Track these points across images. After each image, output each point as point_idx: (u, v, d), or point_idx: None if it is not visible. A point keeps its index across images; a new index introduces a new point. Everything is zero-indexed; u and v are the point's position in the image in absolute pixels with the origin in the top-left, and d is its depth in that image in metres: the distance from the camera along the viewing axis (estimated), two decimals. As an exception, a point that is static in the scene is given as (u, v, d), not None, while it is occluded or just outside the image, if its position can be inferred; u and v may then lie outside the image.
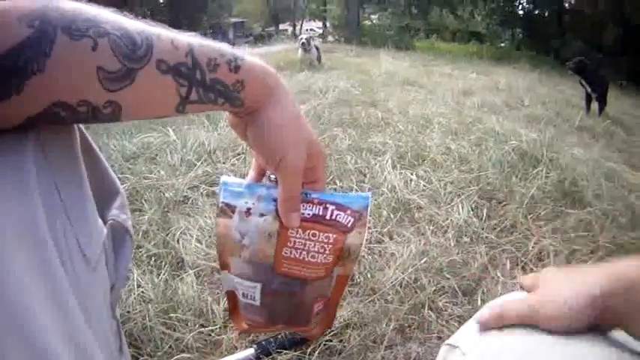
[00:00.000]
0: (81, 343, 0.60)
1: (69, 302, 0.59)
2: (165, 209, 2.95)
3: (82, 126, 0.76)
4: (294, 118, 0.82)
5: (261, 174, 0.94)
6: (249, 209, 0.86)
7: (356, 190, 3.26)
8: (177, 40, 0.68)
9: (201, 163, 3.61)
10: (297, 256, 0.87)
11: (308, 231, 0.86)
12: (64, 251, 0.61)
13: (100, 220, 0.76)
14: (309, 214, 0.87)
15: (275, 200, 0.85)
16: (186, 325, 1.98)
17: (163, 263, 2.39)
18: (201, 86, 0.70)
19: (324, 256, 0.87)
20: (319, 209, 0.87)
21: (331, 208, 0.88)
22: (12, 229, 0.54)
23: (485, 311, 0.82)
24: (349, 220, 0.88)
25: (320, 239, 0.87)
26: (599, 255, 2.71)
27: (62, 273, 0.59)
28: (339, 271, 0.93)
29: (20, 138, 0.60)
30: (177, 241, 2.58)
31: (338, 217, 0.88)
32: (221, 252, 0.90)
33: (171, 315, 2.00)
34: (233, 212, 0.86)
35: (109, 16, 0.62)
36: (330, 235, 0.87)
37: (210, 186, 3.30)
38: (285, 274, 0.88)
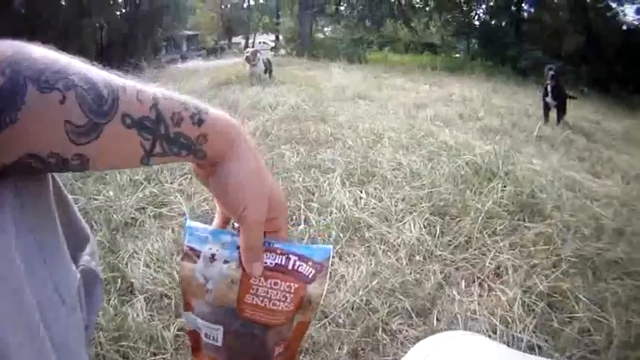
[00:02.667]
0: None
1: (44, 342, 0.62)
2: (114, 231, 2.95)
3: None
4: (255, 172, 0.85)
5: (225, 221, 0.97)
6: (213, 255, 0.89)
7: (304, 209, 3.24)
8: (142, 93, 0.70)
9: (149, 183, 3.62)
10: (260, 303, 0.90)
11: (270, 279, 0.89)
12: (42, 296, 0.64)
13: (73, 266, 0.78)
14: (271, 263, 0.90)
15: (239, 248, 0.88)
16: (138, 352, 1.99)
17: (112, 289, 2.40)
18: (165, 140, 0.73)
19: (286, 304, 0.90)
20: (282, 259, 0.91)
21: (293, 258, 0.91)
22: None
23: None
24: (310, 272, 0.91)
25: (282, 288, 0.90)
26: (563, 268, 2.71)
27: (38, 319, 0.61)
28: (300, 318, 0.95)
29: None
30: (126, 264, 2.59)
31: (300, 267, 0.91)
32: (185, 293, 0.93)
33: (123, 343, 2.01)
34: (198, 257, 0.89)
35: (77, 66, 0.64)
36: (292, 284, 0.90)
37: (158, 207, 3.30)
38: (247, 319, 0.91)
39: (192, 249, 0.89)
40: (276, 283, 0.90)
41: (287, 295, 0.90)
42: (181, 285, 0.92)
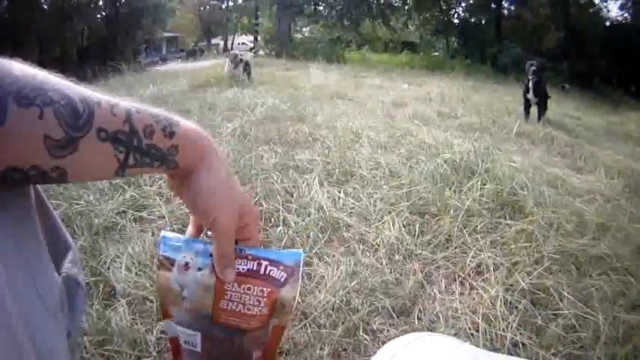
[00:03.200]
0: None
1: (25, 349, 0.62)
2: (95, 235, 2.93)
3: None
4: (225, 181, 0.89)
5: (198, 230, 1.00)
6: (187, 263, 0.92)
7: (283, 210, 3.22)
8: (116, 107, 0.72)
9: (129, 186, 3.57)
10: (234, 308, 0.93)
11: (243, 285, 0.93)
12: (24, 300, 0.65)
13: (56, 273, 0.80)
14: (243, 269, 0.93)
15: (211, 255, 0.91)
16: (122, 356, 1.99)
17: (95, 293, 2.39)
18: (138, 152, 0.76)
19: (259, 308, 0.94)
20: (253, 265, 0.94)
21: (265, 263, 0.94)
22: None
23: None
24: (282, 276, 0.95)
25: (255, 292, 0.93)
26: (545, 265, 2.70)
27: (19, 320, 0.62)
28: (275, 322, 0.99)
29: None
30: (108, 268, 2.57)
31: (271, 272, 0.94)
32: (163, 302, 0.95)
33: (107, 347, 2.01)
34: (172, 265, 0.92)
35: (54, 82, 0.66)
36: (264, 288, 0.93)
37: (138, 211, 3.28)
38: (223, 324, 0.94)
39: (166, 258, 0.92)
40: (249, 288, 0.93)
41: (260, 299, 0.93)
42: (159, 294, 0.95)
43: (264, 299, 0.94)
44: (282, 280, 0.95)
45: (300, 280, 0.98)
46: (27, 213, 0.73)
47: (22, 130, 0.61)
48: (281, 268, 0.95)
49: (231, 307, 0.93)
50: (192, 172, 0.86)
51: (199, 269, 0.91)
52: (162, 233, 0.95)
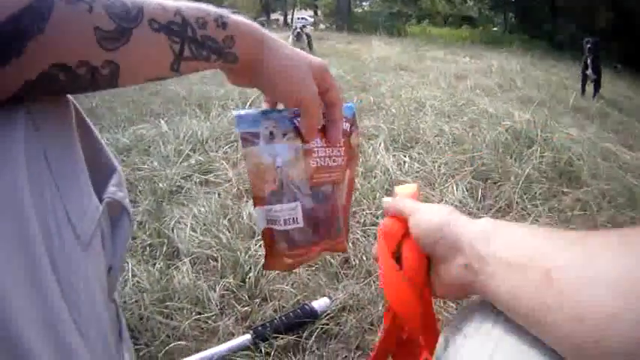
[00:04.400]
0: (61, 331, 0.57)
1: (49, 284, 0.56)
2: (160, 200, 2.92)
3: (77, 104, 0.75)
4: (294, 57, 0.87)
5: (273, 105, 0.99)
6: (271, 132, 0.92)
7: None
8: (164, 2, 0.70)
9: (194, 152, 3.60)
10: (323, 163, 0.97)
11: (323, 139, 0.97)
12: (50, 225, 0.58)
13: (95, 197, 0.72)
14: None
15: (290, 119, 0.93)
16: (183, 313, 1.95)
17: (158, 253, 2.36)
18: (194, 43, 0.73)
19: (341, 158, 1.00)
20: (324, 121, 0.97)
21: None
22: None
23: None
24: (347, 126, 1.03)
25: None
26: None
27: (43, 250, 0.56)
28: (348, 174, 1.06)
29: (10, 110, 0.59)
30: (172, 230, 2.55)
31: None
32: (255, 183, 0.93)
33: (167, 304, 1.98)
34: (257, 138, 0.91)
35: None
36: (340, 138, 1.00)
37: (204, 174, 3.28)
38: (317, 184, 0.96)
39: (248, 133, 0.91)
40: (328, 141, 0.98)
41: (339, 149, 1.00)
42: (251, 175, 0.93)
43: (342, 148, 1.00)
44: (348, 130, 1.03)
45: (358, 128, 1.08)
46: (65, 130, 0.68)
47: (69, 23, 0.58)
48: (344, 120, 1.01)
49: (320, 164, 0.96)
50: (257, 60, 0.83)
51: (284, 134, 0.92)
52: (235, 112, 0.93)
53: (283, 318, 1.89)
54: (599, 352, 0.50)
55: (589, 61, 7.78)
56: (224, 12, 0.78)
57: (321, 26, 25.50)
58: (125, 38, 0.63)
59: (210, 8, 0.76)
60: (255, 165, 0.92)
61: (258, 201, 0.94)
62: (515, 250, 0.66)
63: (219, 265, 2.27)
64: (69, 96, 0.71)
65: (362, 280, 2.21)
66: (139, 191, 3.01)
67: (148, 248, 2.42)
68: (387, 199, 0.94)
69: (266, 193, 0.93)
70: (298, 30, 10.58)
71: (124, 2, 0.64)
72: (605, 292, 0.51)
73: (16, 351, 0.51)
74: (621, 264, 0.52)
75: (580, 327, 0.52)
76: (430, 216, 0.81)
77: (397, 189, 1.00)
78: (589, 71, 7.83)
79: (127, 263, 2.19)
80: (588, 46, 7.89)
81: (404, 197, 0.94)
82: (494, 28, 28.17)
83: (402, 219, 0.86)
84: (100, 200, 0.75)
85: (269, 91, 0.92)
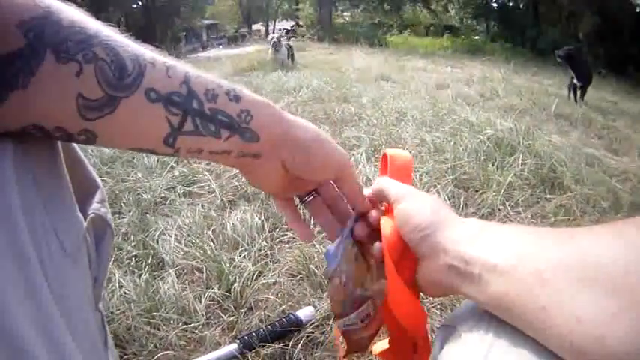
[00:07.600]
0: (55, 333, 0.56)
1: (42, 290, 0.56)
2: (144, 211, 2.95)
3: None
4: (317, 130, 0.81)
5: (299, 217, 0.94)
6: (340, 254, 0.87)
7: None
8: (173, 69, 0.65)
9: (178, 164, 3.62)
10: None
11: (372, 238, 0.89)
12: (40, 240, 0.58)
13: (79, 214, 0.71)
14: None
15: (346, 236, 0.88)
16: (169, 323, 1.99)
17: (144, 264, 2.39)
18: (199, 116, 0.66)
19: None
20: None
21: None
22: None
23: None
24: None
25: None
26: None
27: (36, 259, 0.55)
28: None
29: None
30: (157, 241, 2.58)
31: None
32: (334, 304, 0.92)
33: (154, 314, 2.01)
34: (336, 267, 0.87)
35: (105, 37, 0.59)
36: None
37: (187, 186, 3.32)
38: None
39: (334, 269, 0.87)
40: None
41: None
42: (331, 300, 0.92)
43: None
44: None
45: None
46: (51, 152, 0.65)
47: (53, 85, 0.55)
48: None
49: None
50: (281, 139, 0.75)
51: (344, 248, 0.88)
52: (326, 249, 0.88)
53: (269, 327, 1.92)
54: (599, 351, 0.51)
55: (571, 70, 7.88)
56: (235, 85, 0.71)
57: (302, 37, 25.54)
58: (110, 109, 0.59)
59: (222, 80, 0.70)
60: (334, 287, 0.89)
61: (336, 317, 0.93)
62: (501, 251, 0.66)
63: (204, 275, 2.30)
64: None
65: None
66: (124, 202, 3.05)
67: (133, 259, 2.45)
68: (378, 181, 0.90)
69: (340, 309, 0.91)
70: (275, 40, 10.57)
71: (124, 64, 0.59)
72: (602, 290, 0.52)
73: (14, 344, 0.51)
74: (615, 260, 0.53)
75: (578, 327, 0.52)
76: (417, 209, 0.79)
77: (389, 152, 0.93)
78: (575, 80, 7.93)
79: (114, 274, 2.23)
80: (559, 56, 8.00)
81: (396, 169, 0.91)
82: (476, 37, 28.34)
83: (389, 209, 0.85)
84: (85, 216, 0.75)
85: (305, 171, 0.81)
